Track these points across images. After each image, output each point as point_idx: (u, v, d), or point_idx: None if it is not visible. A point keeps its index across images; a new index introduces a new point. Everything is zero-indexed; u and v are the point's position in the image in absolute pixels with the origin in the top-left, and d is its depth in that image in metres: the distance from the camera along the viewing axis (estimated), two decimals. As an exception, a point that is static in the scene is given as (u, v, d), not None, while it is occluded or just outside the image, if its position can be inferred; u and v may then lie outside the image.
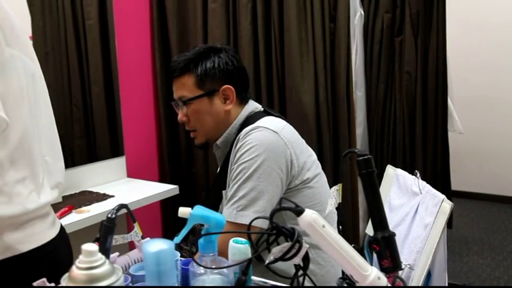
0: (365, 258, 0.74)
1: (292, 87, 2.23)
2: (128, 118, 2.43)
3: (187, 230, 0.84)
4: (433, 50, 2.48)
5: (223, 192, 1.34)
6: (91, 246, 0.62)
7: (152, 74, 2.59)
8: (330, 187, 1.03)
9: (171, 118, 2.55)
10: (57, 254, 1.02)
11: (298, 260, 0.77)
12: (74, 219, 1.74)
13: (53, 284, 0.79)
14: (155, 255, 0.71)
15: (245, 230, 1.09)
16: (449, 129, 2.72)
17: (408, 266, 1.23)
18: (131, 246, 1.07)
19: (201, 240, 0.84)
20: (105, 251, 0.87)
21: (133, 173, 2.45)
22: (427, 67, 2.51)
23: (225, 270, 0.84)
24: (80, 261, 0.61)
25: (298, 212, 0.73)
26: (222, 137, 1.39)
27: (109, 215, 0.88)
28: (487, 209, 4.11)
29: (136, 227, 0.99)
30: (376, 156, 2.68)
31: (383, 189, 1.55)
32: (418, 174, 1.39)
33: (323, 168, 1.40)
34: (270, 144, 1.23)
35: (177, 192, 2.24)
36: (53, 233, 1.02)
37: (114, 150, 2.39)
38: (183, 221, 0.84)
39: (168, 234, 2.34)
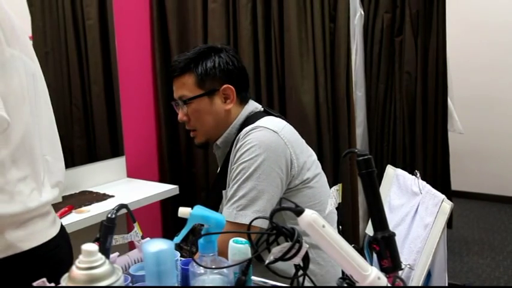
0: (365, 258, 0.74)
1: (292, 87, 2.23)
2: (127, 118, 2.43)
3: (187, 230, 0.84)
4: (433, 50, 2.48)
5: (223, 192, 1.34)
6: (91, 246, 0.62)
7: (152, 74, 2.59)
8: (330, 187, 1.03)
9: (171, 118, 2.55)
10: (58, 253, 1.03)
11: (298, 260, 0.77)
12: (74, 219, 1.74)
13: (53, 284, 0.79)
14: (155, 255, 0.71)
15: (245, 230, 1.09)
16: (449, 129, 2.72)
17: (408, 266, 1.23)
18: (131, 246, 1.07)
19: (201, 240, 0.84)
20: (105, 251, 0.88)
21: (133, 173, 2.45)
22: (427, 67, 2.51)
23: (225, 270, 0.84)
24: (80, 261, 0.61)
25: (298, 212, 0.73)
26: (222, 136, 1.39)
27: (109, 215, 0.88)
28: (487, 209, 4.11)
29: (136, 227, 0.99)
30: (376, 156, 2.68)
31: (383, 189, 1.55)
32: (418, 174, 1.39)
33: (323, 168, 1.40)
34: (269, 144, 1.23)
35: (177, 192, 2.24)
36: (54, 231, 1.03)
37: (114, 150, 2.39)
38: (183, 221, 0.84)
39: (168, 234, 2.34)
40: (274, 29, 2.27)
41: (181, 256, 1.05)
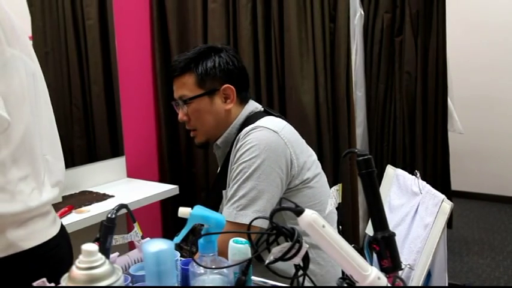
0: (365, 258, 0.74)
1: (292, 87, 2.23)
2: (127, 118, 2.43)
3: (187, 230, 0.84)
4: (433, 50, 2.48)
5: (224, 192, 1.34)
6: (91, 246, 0.62)
7: (152, 74, 2.59)
8: (330, 187, 1.03)
9: (171, 118, 2.55)
10: (58, 252, 1.03)
11: (298, 260, 0.77)
12: (74, 219, 1.74)
13: (53, 284, 0.79)
14: (155, 255, 0.71)
15: (245, 230, 1.09)
16: (449, 129, 2.72)
17: (408, 266, 1.23)
18: (131, 246, 1.07)
19: (201, 240, 0.84)
20: (105, 251, 0.88)
21: (133, 173, 2.45)
22: (427, 67, 2.51)
23: (225, 270, 0.84)
24: (80, 261, 0.61)
25: (298, 212, 0.73)
26: (222, 136, 1.40)
27: (109, 215, 0.89)
28: (487, 209, 4.11)
29: (136, 227, 0.99)
30: (376, 156, 2.68)
31: (383, 189, 1.55)
32: (418, 174, 1.39)
33: (323, 168, 1.40)
34: (270, 144, 1.23)
35: (177, 192, 2.24)
36: (54, 230, 1.03)
37: (114, 150, 2.39)
38: (183, 221, 0.84)
39: (168, 234, 2.34)
40: (274, 29, 2.27)
41: (181, 256, 1.05)
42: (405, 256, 1.27)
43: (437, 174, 2.58)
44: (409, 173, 1.50)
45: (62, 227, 1.09)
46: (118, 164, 2.38)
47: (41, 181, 1.01)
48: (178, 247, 1.29)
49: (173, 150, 2.63)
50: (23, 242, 0.94)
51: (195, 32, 2.48)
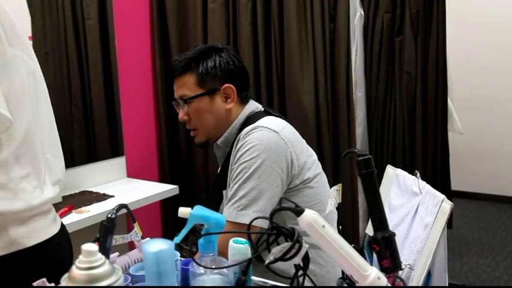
0: (365, 258, 0.74)
1: (292, 87, 2.23)
2: (127, 118, 2.43)
3: (187, 230, 0.84)
4: (433, 50, 2.48)
5: (224, 192, 1.34)
6: (91, 246, 0.62)
7: (152, 74, 2.59)
8: (330, 187, 1.03)
9: (171, 118, 2.55)
10: (59, 250, 1.04)
11: (298, 260, 0.77)
12: (74, 219, 1.74)
13: (53, 284, 0.79)
14: (155, 255, 0.71)
15: (245, 230, 1.09)
16: (449, 129, 2.72)
17: (408, 266, 1.23)
18: (131, 246, 1.07)
19: (201, 240, 0.84)
20: (105, 251, 0.88)
21: (133, 173, 2.45)
22: (427, 67, 2.51)
23: (225, 270, 0.84)
24: (80, 261, 0.61)
25: (298, 212, 0.73)
26: (223, 136, 1.40)
27: (109, 215, 0.89)
28: (487, 209, 4.11)
29: (136, 227, 0.99)
30: (376, 156, 2.68)
31: (383, 189, 1.55)
32: (418, 174, 1.39)
33: (323, 168, 1.40)
34: (270, 144, 1.23)
35: (177, 192, 2.24)
36: (55, 228, 1.04)
37: (114, 150, 2.39)
38: (183, 221, 0.84)
39: (168, 234, 2.34)
40: (274, 29, 2.27)
41: (181, 256, 1.05)
42: (405, 256, 1.27)
43: (437, 174, 2.58)
44: (409, 173, 1.50)
45: (62, 225, 1.10)
46: (118, 164, 2.38)
47: (42, 179, 1.02)
48: (178, 247, 1.29)
49: (173, 150, 2.63)
50: (25, 240, 0.95)
51: (195, 32, 2.48)
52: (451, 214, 1.26)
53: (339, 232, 0.89)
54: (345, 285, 0.79)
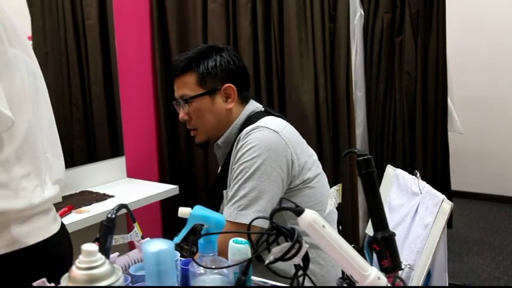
0: (365, 258, 0.74)
1: (292, 87, 2.23)
2: (127, 118, 2.43)
3: (187, 230, 0.84)
4: (433, 50, 2.48)
5: (224, 192, 1.34)
6: (91, 246, 0.62)
7: (152, 74, 2.59)
8: (330, 187, 1.03)
9: (171, 118, 2.55)
10: (60, 249, 1.05)
11: (298, 260, 0.77)
12: (74, 219, 1.74)
13: (53, 284, 0.79)
14: (155, 255, 0.71)
15: (245, 230, 1.09)
16: (449, 129, 2.72)
17: (408, 266, 1.23)
18: (131, 246, 1.07)
19: (200, 240, 0.84)
20: (105, 251, 0.88)
21: (133, 173, 2.45)
22: (427, 67, 2.51)
23: (225, 270, 0.84)
24: (80, 261, 0.61)
25: (298, 212, 0.73)
26: (223, 136, 1.40)
27: (109, 215, 0.89)
28: (487, 209, 4.11)
29: (136, 227, 0.99)
30: (376, 156, 2.68)
31: (383, 189, 1.55)
32: (418, 174, 1.39)
33: (323, 168, 1.40)
34: (270, 144, 1.23)
35: (177, 192, 2.24)
36: (55, 227, 1.05)
37: (114, 150, 2.39)
38: (183, 221, 0.84)
39: (168, 234, 2.34)
40: (274, 29, 2.27)
41: (182, 256, 1.05)
42: (405, 256, 1.27)
43: (437, 174, 2.58)
44: (409, 173, 1.50)
45: (62, 224, 1.11)
46: (118, 164, 2.38)
47: (43, 179, 1.03)
48: (179, 247, 1.29)
49: (173, 150, 2.63)
50: (27, 238, 0.96)
51: (195, 32, 2.48)
52: (451, 214, 1.26)
53: (339, 232, 0.89)
54: (345, 285, 0.79)
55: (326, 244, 0.73)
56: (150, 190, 2.16)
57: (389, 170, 1.60)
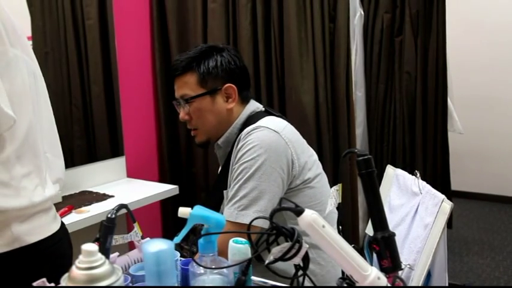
0: (365, 258, 0.74)
1: (292, 87, 2.23)
2: (127, 118, 2.43)
3: (187, 230, 0.84)
4: (433, 50, 2.48)
5: (225, 192, 1.34)
6: (91, 246, 0.62)
7: (152, 74, 2.59)
8: (330, 187, 1.03)
9: (171, 118, 2.55)
10: (60, 247, 1.06)
11: (298, 260, 0.77)
12: (74, 219, 1.74)
13: (53, 284, 0.79)
14: (155, 255, 0.71)
15: (245, 230, 1.09)
16: (449, 129, 2.72)
17: (408, 266, 1.23)
18: (131, 246, 1.07)
19: (200, 240, 0.84)
20: (105, 251, 0.88)
21: (133, 173, 2.45)
22: (427, 67, 2.51)
23: (225, 270, 0.84)
24: (80, 261, 0.61)
25: (298, 212, 0.73)
26: (224, 136, 1.39)
27: (109, 215, 0.89)
28: (487, 209, 4.11)
29: (136, 227, 0.99)
30: (376, 156, 2.68)
31: (383, 189, 1.54)
32: (418, 174, 1.39)
33: (323, 169, 1.40)
34: (271, 144, 1.23)
35: (177, 192, 2.24)
36: (56, 226, 1.06)
37: (114, 150, 2.39)
38: (183, 221, 0.84)
39: (168, 234, 2.34)
40: (274, 29, 2.27)
41: (182, 256, 1.05)
42: (405, 256, 1.27)
43: (437, 174, 2.58)
44: (409, 173, 1.50)
45: (62, 223, 1.12)
46: (118, 164, 2.38)
47: (43, 178, 1.04)
48: (179, 247, 1.29)
49: (173, 150, 2.63)
50: (28, 237, 0.96)
51: (195, 32, 2.48)
52: (451, 214, 1.26)
53: (339, 232, 0.89)
54: (345, 285, 0.79)
55: (326, 244, 0.73)
56: (150, 190, 2.16)
57: (389, 170, 1.60)
